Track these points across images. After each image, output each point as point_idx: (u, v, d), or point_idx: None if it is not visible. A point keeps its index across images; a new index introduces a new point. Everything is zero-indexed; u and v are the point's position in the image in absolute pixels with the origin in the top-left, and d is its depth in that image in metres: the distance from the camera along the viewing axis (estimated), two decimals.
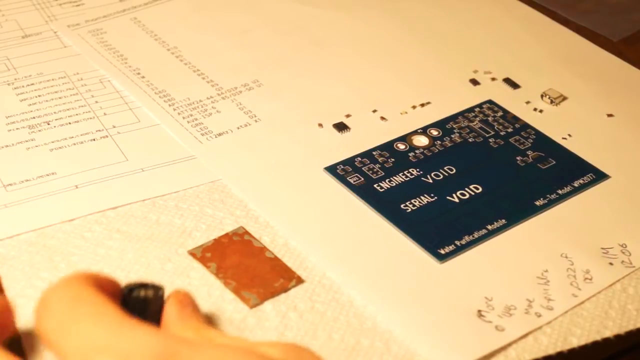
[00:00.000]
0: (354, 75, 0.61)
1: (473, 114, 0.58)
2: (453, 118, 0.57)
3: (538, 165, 0.54)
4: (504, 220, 0.49)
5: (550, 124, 0.57)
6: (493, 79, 0.61)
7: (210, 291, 0.45)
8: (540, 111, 0.58)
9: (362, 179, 0.52)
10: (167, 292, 0.40)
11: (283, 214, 0.49)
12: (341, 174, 0.52)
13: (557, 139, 0.56)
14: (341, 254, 0.47)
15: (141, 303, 0.39)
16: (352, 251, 0.48)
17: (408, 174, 0.52)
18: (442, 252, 0.47)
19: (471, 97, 0.59)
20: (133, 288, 0.39)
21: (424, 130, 0.56)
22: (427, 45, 0.64)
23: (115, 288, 0.39)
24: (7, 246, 0.46)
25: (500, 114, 0.58)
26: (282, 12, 0.66)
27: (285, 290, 0.45)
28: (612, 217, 0.50)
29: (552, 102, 0.59)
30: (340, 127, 0.56)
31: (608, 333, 0.44)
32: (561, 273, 0.47)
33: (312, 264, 0.47)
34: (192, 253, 0.47)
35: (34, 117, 0.55)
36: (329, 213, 0.50)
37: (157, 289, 0.40)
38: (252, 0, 0.67)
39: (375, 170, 0.52)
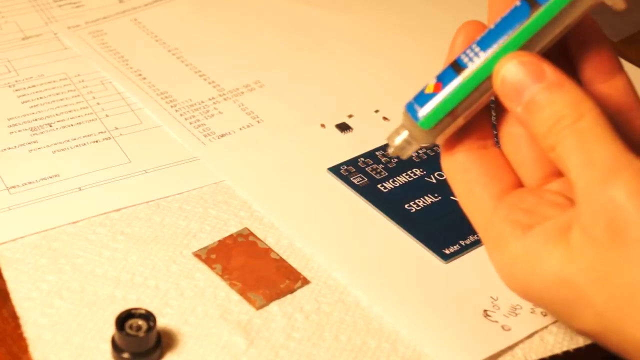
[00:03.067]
0: (356, 75, 0.61)
1: None
2: None
3: None
4: None
5: None
6: None
7: (216, 292, 0.45)
8: None
9: (366, 179, 0.52)
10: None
11: (287, 215, 0.49)
12: (345, 174, 0.52)
13: None
14: (346, 254, 0.47)
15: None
16: (357, 252, 0.48)
17: (411, 174, 0.52)
18: (447, 252, 0.47)
19: None
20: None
21: None
22: (428, 45, 0.64)
23: None
24: (12, 249, 0.46)
25: None
26: (284, 12, 0.66)
27: (291, 291, 0.45)
28: None
29: None
30: (343, 127, 0.56)
31: None
32: None
33: (318, 264, 0.47)
34: (197, 254, 0.47)
35: (35, 119, 0.55)
36: (333, 214, 0.50)
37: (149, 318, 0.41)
38: (253, 0, 0.67)
39: (378, 170, 0.52)
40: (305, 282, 0.46)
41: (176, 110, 0.56)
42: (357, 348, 0.43)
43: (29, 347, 0.41)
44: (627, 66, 0.63)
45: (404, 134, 0.40)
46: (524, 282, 0.38)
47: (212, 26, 0.65)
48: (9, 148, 0.53)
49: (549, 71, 0.37)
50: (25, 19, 0.64)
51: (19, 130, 0.54)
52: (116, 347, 0.41)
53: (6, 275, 0.45)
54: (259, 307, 0.44)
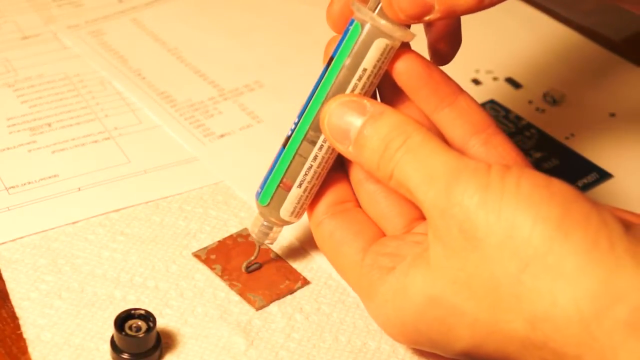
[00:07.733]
0: None
1: None
2: None
3: (542, 165, 0.54)
4: None
5: (553, 123, 0.57)
6: (495, 78, 0.61)
7: (216, 293, 0.45)
8: (543, 111, 0.58)
9: None
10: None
11: None
12: None
13: (560, 138, 0.56)
14: None
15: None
16: None
17: None
18: None
19: (473, 97, 0.59)
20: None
21: None
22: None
23: None
24: (11, 249, 0.46)
25: (502, 113, 0.58)
26: (284, 12, 0.66)
27: (291, 291, 0.45)
28: None
29: (554, 101, 0.59)
30: None
31: None
32: None
33: (318, 265, 0.47)
34: (197, 255, 0.47)
35: (35, 119, 0.55)
36: None
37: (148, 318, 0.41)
38: (253, 0, 0.67)
39: None
40: (305, 282, 0.46)
41: (176, 110, 0.56)
42: (357, 349, 0.43)
43: (28, 347, 0.41)
44: (627, 66, 0.63)
45: (261, 221, 0.43)
46: (398, 320, 0.38)
47: (212, 26, 0.65)
48: (8, 148, 0.52)
49: (369, 104, 0.38)
50: (24, 19, 0.64)
51: (18, 131, 0.54)
52: (115, 348, 0.41)
53: (5, 276, 0.45)
54: (258, 308, 0.44)
